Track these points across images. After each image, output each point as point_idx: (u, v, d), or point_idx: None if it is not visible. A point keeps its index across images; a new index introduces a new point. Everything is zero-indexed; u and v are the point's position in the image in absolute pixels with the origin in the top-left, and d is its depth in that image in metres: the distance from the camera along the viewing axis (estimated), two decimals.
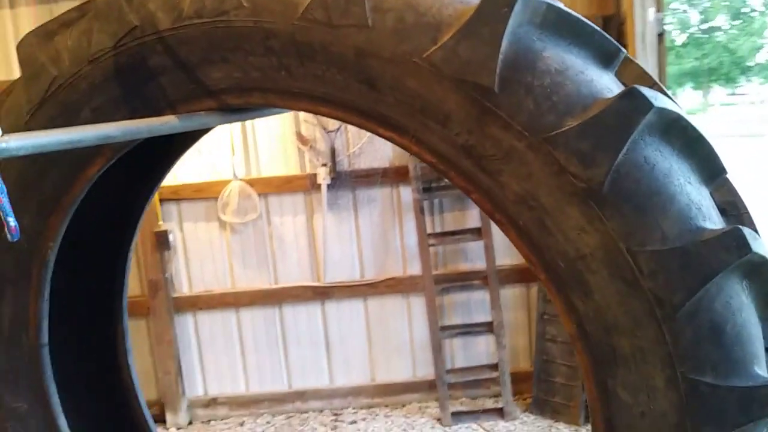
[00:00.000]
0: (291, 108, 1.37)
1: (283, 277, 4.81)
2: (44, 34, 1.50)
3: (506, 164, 1.18)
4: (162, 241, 4.71)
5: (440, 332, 4.51)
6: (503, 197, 1.21)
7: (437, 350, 4.50)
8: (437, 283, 4.51)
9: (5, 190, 1.01)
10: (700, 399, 1.16)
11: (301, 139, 4.55)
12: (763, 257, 1.15)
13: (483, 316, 4.60)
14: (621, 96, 1.10)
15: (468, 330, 4.59)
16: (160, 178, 2.00)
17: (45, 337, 1.74)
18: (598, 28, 1.24)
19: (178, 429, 4.86)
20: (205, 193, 4.69)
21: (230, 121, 1.46)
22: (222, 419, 4.95)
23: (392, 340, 4.83)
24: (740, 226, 1.11)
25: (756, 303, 1.23)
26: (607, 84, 1.19)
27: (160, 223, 4.71)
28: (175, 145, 1.92)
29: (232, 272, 4.84)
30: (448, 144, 1.22)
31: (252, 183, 4.62)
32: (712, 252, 1.11)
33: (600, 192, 1.12)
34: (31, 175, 1.54)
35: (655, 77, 3.72)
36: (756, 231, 1.27)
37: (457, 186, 1.27)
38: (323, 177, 4.50)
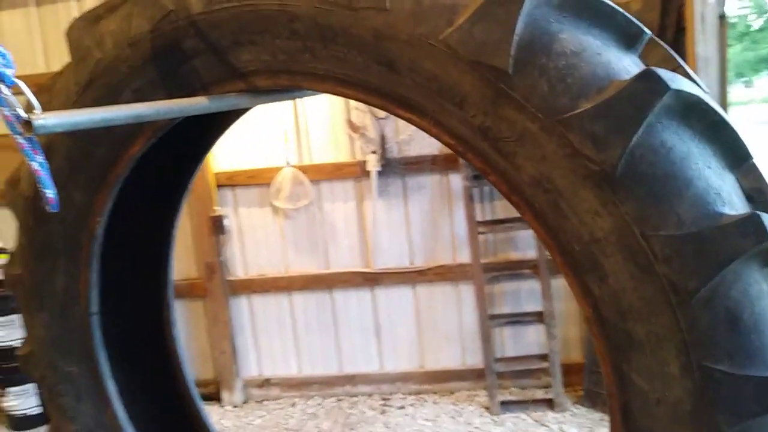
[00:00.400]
0: (316, 90, 1.41)
1: (335, 262, 4.90)
2: (92, 18, 1.59)
3: (521, 146, 1.18)
4: (217, 225, 4.87)
5: (489, 321, 4.50)
6: (519, 179, 1.22)
7: (486, 339, 4.49)
8: (487, 271, 4.49)
9: (46, 164, 1.09)
10: (715, 387, 1.14)
11: (352, 126, 4.61)
12: None
13: (533, 306, 4.55)
14: (636, 78, 1.09)
15: (518, 319, 4.55)
16: (200, 159, 2.09)
17: (95, 306, 1.86)
18: (620, 10, 1.22)
19: (234, 407, 5.04)
20: (258, 180, 4.82)
21: (260, 103, 1.51)
22: (275, 399, 5.10)
23: (441, 327, 4.84)
24: (759, 212, 1.08)
25: None
26: (627, 66, 1.17)
27: (216, 207, 4.88)
28: (214, 127, 2.00)
29: (285, 257, 4.97)
30: (465, 126, 1.23)
31: (304, 170, 4.72)
32: (728, 238, 1.08)
33: (614, 175, 1.11)
34: (78, 152, 1.65)
35: (716, 60, 3.59)
36: None
37: (475, 167, 1.29)
38: (373, 164, 4.55)
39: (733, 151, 1.20)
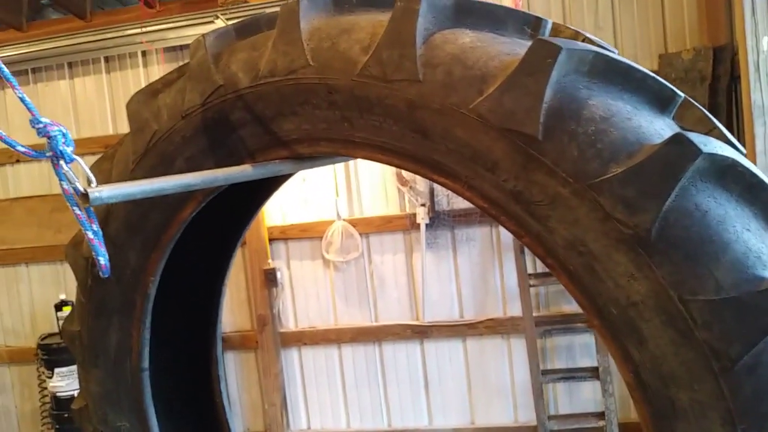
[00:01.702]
0: (354, 156, 1.46)
1: (384, 314, 4.91)
2: (150, 92, 1.71)
3: (553, 210, 1.19)
4: (270, 278, 4.98)
5: (541, 376, 4.39)
6: (553, 242, 1.22)
7: (538, 394, 4.37)
8: (539, 324, 4.41)
9: (100, 233, 1.17)
10: None
11: (401, 179, 4.68)
12: None
13: (588, 361, 4.42)
14: (667, 142, 1.09)
15: (571, 375, 4.43)
16: (251, 217, 2.16)
17: (146, 362, 1.92)
18: (651, 74, 1.23)
19: None
20: (310, 233, 4.93)
21: (301, 169, 1.58)
22: None
23: (492, 382, 4.75)
24: None
25: None
26: (659, 130, 1.17)
27: (269, 261, 4.99)
28: (262, 189, 2.08)
29: (335, 309, 5.01)
30: (497, 190, 1.25)
31: (354, 223, 4.80)
32: None
33: (648, 239, 1.11)
34: (135, 217, 1.74)
35: None
36: None
37: (508, 230, 1.30)
38: (422, 216, 4.59)
39: None
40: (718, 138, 1.22)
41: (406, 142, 1.34)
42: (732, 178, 1.14)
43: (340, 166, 4.84)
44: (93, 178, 1.11)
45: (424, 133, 1.30)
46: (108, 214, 1.78)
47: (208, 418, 2.25)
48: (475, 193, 1.30)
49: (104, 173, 1.82)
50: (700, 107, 1.27)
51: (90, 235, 1.12)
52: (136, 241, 1.78)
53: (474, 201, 1.31)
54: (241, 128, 1.52)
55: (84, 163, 1.11)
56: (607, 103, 1.18)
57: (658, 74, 4.16)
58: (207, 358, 2.24)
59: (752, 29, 3.45)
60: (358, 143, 1.41)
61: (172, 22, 4.83)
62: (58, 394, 4.85)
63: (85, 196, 1.09)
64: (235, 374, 5.21)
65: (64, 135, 1.07)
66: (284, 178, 2.04)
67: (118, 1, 5.38)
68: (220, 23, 4.49)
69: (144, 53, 5.12)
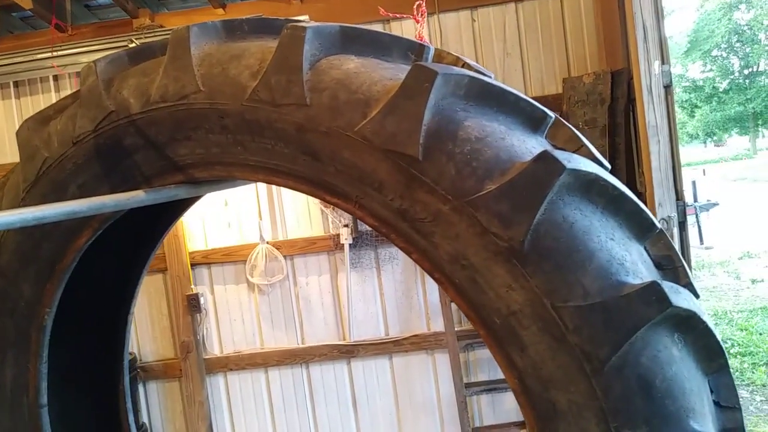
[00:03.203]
0: (250, 179, 1.48)
1: (310, 336, 4.89)
2: (41, 119, 1.67)
3: (436, 226, 1.25)
4: (194, 303, 4.88)
5: (465, 389, 4.47)
6: (438, 257, 1.28)
7: (463, 408, 4.44)
8: (461, 339, 4.50)
9: None
10: None
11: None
12: (688, 311, 1.17)
13: None
14: (534, 160, 1.17)
15: (494, 386, 4.52)
16: (156, 244, 2.13)
17: (44, 398, 1.85)
18: (522, 96, 1.32)
19: None
20: (234, 257, 4.87)
21: (198, 194, 1.58)
22: None
23: (419, 397, 4.80)
24: (659, 281, 1.14)
25: (695, 356, 1.24)
26: (531, 148, 1.25)
27: (192, 286, 4.89)
28: (169, 212, 2.06)
29: (260, 332, 4.95)
30: (385, 208, 1.30)
31: (278, 245, 4.78)
32: (632, 306, 1.14)
33: (521, 251, 1.17)
34: (27, 247, 1.69)
35: (665, 128, 3.75)
36: (691, 284, 1.28)
37: (398, 247, 1.34)
38: (345, 237, 4.62)
39: (637, 222, 1.28)
40: (585, 155, 1.31)
41: (298, 165, 1.37)
42: (596, 191, 1.22)
43: (262, 189, 4.82)
44: None
45: (314, 156, 1.34)
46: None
47: None
48: (366, 212, 1.34)
49: None
50: (570, 127, 1.37)
51: None
52: (30, 272, 1.72)
53: (365, 220, 1.36)
54: (134, 154, 1.51)
55: None
56: (482, 124, 1.25)
57: (562, 97, 4.38)
58: (114, 390, 2.18)
59: (644, 54, 3.69)
60: (252, 166, 1.43)
61: (85, 46, 4.70)
62: None
63: None
64: (158, 404, 5.05)
65: None
66: (189, 202, 2.03)
67: (29, 25, 5.20)
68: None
69: (56, 78, 4.97)
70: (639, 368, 1.15)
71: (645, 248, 1.30)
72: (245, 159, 1.43)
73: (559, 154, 1.18)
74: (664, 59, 3.75)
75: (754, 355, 6.96)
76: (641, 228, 1.27)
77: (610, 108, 4.11)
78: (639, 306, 1.14)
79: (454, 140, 1.22)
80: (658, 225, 1.29)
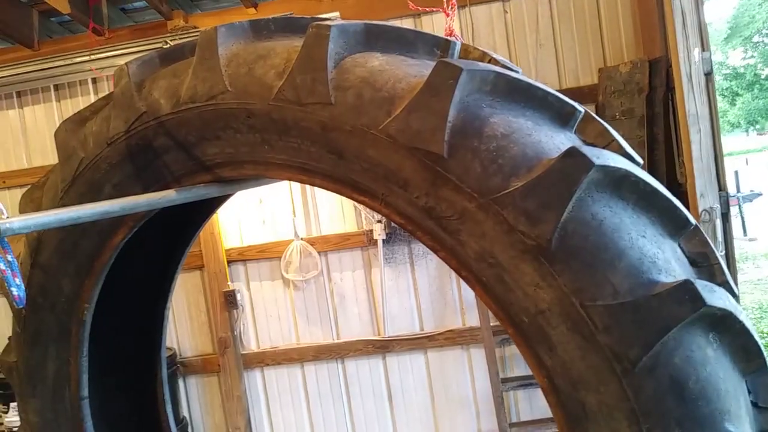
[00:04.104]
0: (278, 177, 1.49)
1: (345, 331, 4.92)
2: (78, 120, 1.72)
3: (462, 224, 1.24)
4: (230, 300, 4.96)
5: (501, 384, 4.43)
6: (465, 255, 1.27)
7: (499, 403, 4.42)
8: (496, 334, 4.46)
9: (15, 263, 1.17)
10: None
11: None
12: (724, 310, 1.13)
13: None
14: (562, 156, 1.14)
15: (530, 382, 4.48)
16: (190, 241, 2.17)
17: (85, 390, 1.91)
18: (551, 90, 1.29)
19: None
20: (268, 254, 4.92)
21: (227, 192, 1.60)
22: None
23: (454, 392, 4.78)
24: (693, 279, 1.11)
25: (732, 357, 1.20)
26: (559, 144, 1.23)
27: (229, 283, 4.97)
28: (202, 211, 2.10)
29: (296, 328, 5.01)
30: (411, 206, 1.29)
31: (312, 242, 4.81)
32: (664, 306, 1.11)
33: (549, 249, 1.15)
34: (67, 244, 1.74)
35: (706, 117, 3.64)
36: (727, 282, 1.24)
37: (426, 245, 1.34)
38: (379, 233, 4.63)
39: (671, 219, 1.24)
40: (616, 150, 1.28)
41: (324, 163, 1.37)
42: (627, 187, 1.19)
43: (295, 186, 4.85)
44: (3, 209, 1.12)
45: (339, 154, 1.34)
46: (39, 242, 1.78)
47: None
48: (392, 210, 1.34)
49: (35, 201, 1.82)
50: (601, 121, 1.34)
51: (1, 266, 1.12)
52: (69, 268, 1.77)
53: (392, 218, 1.35)
54: (165, 154, 1.53)
55: None
56: (509, 121, 1.23)
57: (597, 87, 4.28)
58: (152, 381, 2.23)
59: (683, 41, 3.58)
60: (280, 165, 1.44)
61: (122, 48, 4.81)
62: (14, 429, 4.73)
63: None
64: (197, 399, 5.15)
65: None
66: (221, 200, 2.06)
67: (67, 29, 5.34)
68: None
69: (94, 80, 5.09)
70: (671, 369, 1.12)
71: (679, 245, 1.27)
72: (273, 158, 1.44)
73: (588, 150, 1.15)
74: (704, 46, 3.64)
75: None
76: (675, 224, 1.24)
77: (648, 97, 4.01)
78: (671, 305, 1.11)
79: (479, 137, 1.20)
80: (693, 221, 1.26)
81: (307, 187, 4.87)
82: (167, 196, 1.45)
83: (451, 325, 4.73)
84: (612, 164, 1.16)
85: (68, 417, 1.91)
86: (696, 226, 1.28)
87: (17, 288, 1.15)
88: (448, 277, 4.73)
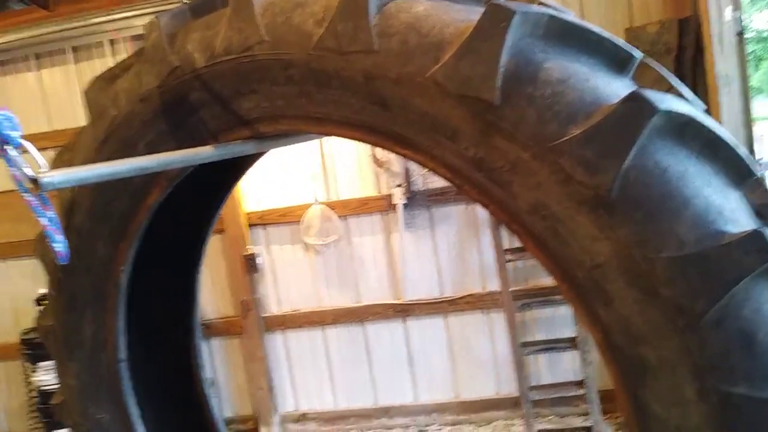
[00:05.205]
0: (317, 132, 1.44)
1: (366, 295, 4.91)
2: (108, 78, 1.67)
3: (515, 175, 1.19)
4: (251, 263, 4.95)
5: (522, 348, 4.43)
6: (517, 208, 1.22)
7: (520, 367, 4.41)
8: (517, 298, 4.44)
9: (56, 219, 1.14)
10: (734, 411, 1.10)
11: (377, 161, 4.66)
12: None
13: (567, 332, 4.47)
14: (623, 101, 1.09)
15: (551, 346, 4.47)
16: (221, 202, 2.14)
17: (122, 353, 1.90)
18: (606, 35, 1.23)
19: None
20: (288, 218, 4.90)
21: (264, 149, 1.56)
22: None
23: (475, 356, 4.79)
24: (761, 229, 1.06)
25: None
26: (616, 90, 1.17)
27: (249, 247, 4.96)
28: (233, 171, 2.06)
29: (317, 292, 5.01)
30: (459, 158, 1.25)
31: (332, 206, 4.78)
32: (732, 257, 1.06)
33: (608, 199, 1.10)
34: (100, 206, 1.71)
35: (736, 79, 3.53)
36: None
37: (472, 198, 1.29)
38: (399, 197, 4.58)
39: (735, 168, 1.18)
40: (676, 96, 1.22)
41: (365, 115, 1.32)
42: (690, 134, 1.14)
43: (315, 150, 4.80)
44: (43, 163, 1.08)
45: (383, 105, 1.28)
46: (72, 204, 1.75)
47: (190, 405, 2.24)
48: (438, 163, 1.29)
49: (66, 164, 1.78)
50: (657, 67, 1.27)
51: (44, 221, 1.09)
52: (103, 230, 1.75)
53: (438, 171, 1.30)
54: (200, 109, 1.49)
55: (33, 148, 1.08)
56: (564, 66, 1.17)
57: None
58: (187, 346, 2.23)
59: (715, 0, 3.46)
60: (319, 119, 1.39)
61: (139, 9, 4.72)
62: (43, 388, 4.80)
63: (35, 181, 1.06)
64: (220, 360, 5.19)
65: (9, 119, 1.04)
66: (252, 159, 2.02)
67: None
68: None
69: (112, 42, 5.01)
70: (739, 322, 1.08)
71: (743, 196, 1.21)
72: (311, 111, 1.39)
73: (651, 94, 1.09)
74: (735, 5, 3.51)
75: None
76: (739, 174, 1.18)
77: (677, 58, 3.89)
78: (740, 256, 1.06)
79: (533, 83, 1.14)
80: (757, 171, 1.20)
81: (327, 150, 4.81)
82: (204, 152, 1.40)
83: (471, 289, 4.70)
84: (676, 109, 1.10)
85: (106, 380, 1.91)
86: (759, 176, 1.22)
87: (61, 244, 1.12)
88: (468, 242, 4.69)
